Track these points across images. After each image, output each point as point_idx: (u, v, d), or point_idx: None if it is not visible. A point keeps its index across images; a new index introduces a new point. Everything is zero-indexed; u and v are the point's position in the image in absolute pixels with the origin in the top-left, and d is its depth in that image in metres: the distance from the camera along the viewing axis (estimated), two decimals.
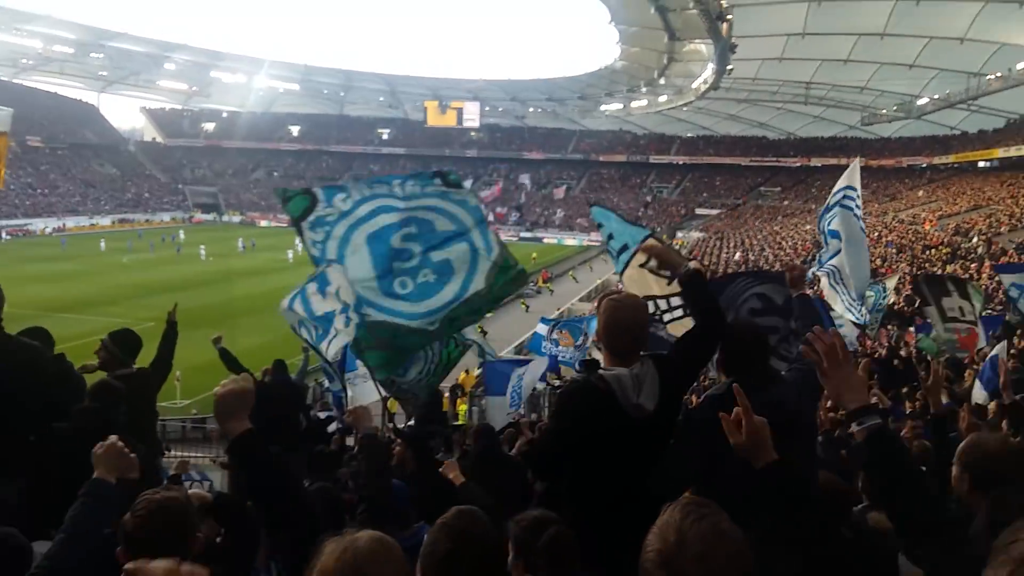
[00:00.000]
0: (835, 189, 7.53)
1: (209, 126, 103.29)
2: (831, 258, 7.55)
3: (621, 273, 6.10)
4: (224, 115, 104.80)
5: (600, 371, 2.83)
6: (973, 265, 27.25)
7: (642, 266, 5.63)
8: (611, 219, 6.32)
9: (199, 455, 15.40)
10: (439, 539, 2.04)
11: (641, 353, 2.88)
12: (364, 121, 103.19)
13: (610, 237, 6.25)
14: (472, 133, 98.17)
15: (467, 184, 5.66)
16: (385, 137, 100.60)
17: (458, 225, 5.71)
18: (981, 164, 58.76)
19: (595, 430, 2.76)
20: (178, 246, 57.07)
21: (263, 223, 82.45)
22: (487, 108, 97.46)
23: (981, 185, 52.12)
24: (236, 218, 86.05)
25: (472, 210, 5.74)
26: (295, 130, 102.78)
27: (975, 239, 33.52)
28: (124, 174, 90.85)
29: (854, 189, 7.49)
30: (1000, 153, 54.26)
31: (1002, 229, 34.97)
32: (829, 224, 7.56)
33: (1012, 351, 10.16)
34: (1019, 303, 9.09)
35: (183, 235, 64.42)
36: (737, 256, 45.59)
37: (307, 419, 9.17)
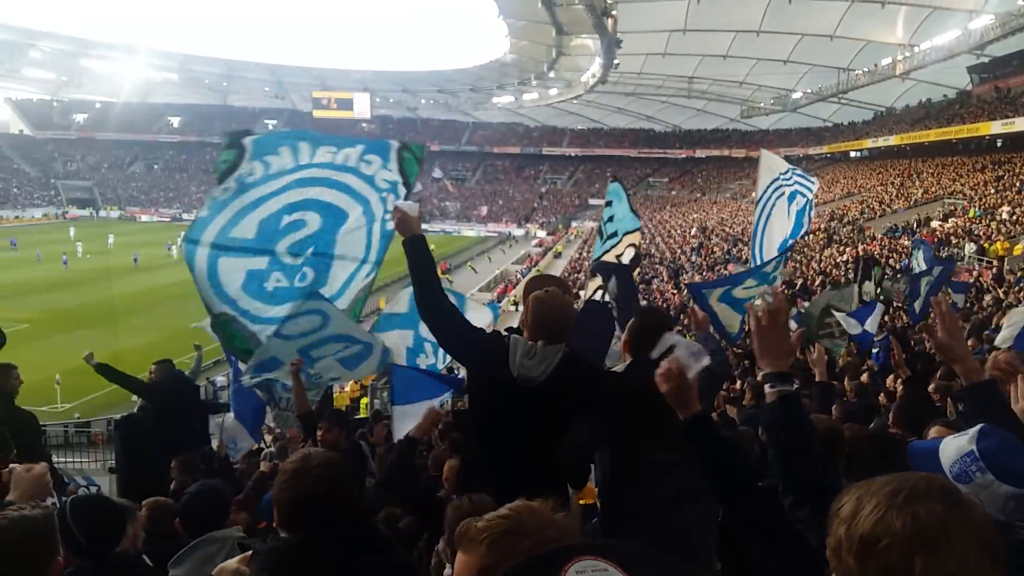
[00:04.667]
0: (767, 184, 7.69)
1: (81, 117, 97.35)
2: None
3: (596, 259, 6.29)
4: (97, 106, 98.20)
5: (512, 333, 3.12)
6: (848, 249, 28.82)
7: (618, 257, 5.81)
8: (623, 199, 6.58)
9: (83, 460, 14.66)
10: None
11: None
12: (250, 112, 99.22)
13: (610, 219, 6.50)
14: (363, 124, 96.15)
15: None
16: (272, 128, 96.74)
17: (364, 208, 5.23)
18: (852, 154, 62.12)
19: (490, 377, 3.02)
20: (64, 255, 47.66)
21: (143, 218, 78.70)
22: (378, 99, 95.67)
23: (853, 173, 55.20)
24: (115, 213, 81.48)
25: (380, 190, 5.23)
26: (175, 121, 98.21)
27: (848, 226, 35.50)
28: None
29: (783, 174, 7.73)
30: (869, 144, 57.54)
31: (875, 216, 37.18)
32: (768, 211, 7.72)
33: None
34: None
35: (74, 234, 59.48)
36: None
37: (203, 415, 8.72)
